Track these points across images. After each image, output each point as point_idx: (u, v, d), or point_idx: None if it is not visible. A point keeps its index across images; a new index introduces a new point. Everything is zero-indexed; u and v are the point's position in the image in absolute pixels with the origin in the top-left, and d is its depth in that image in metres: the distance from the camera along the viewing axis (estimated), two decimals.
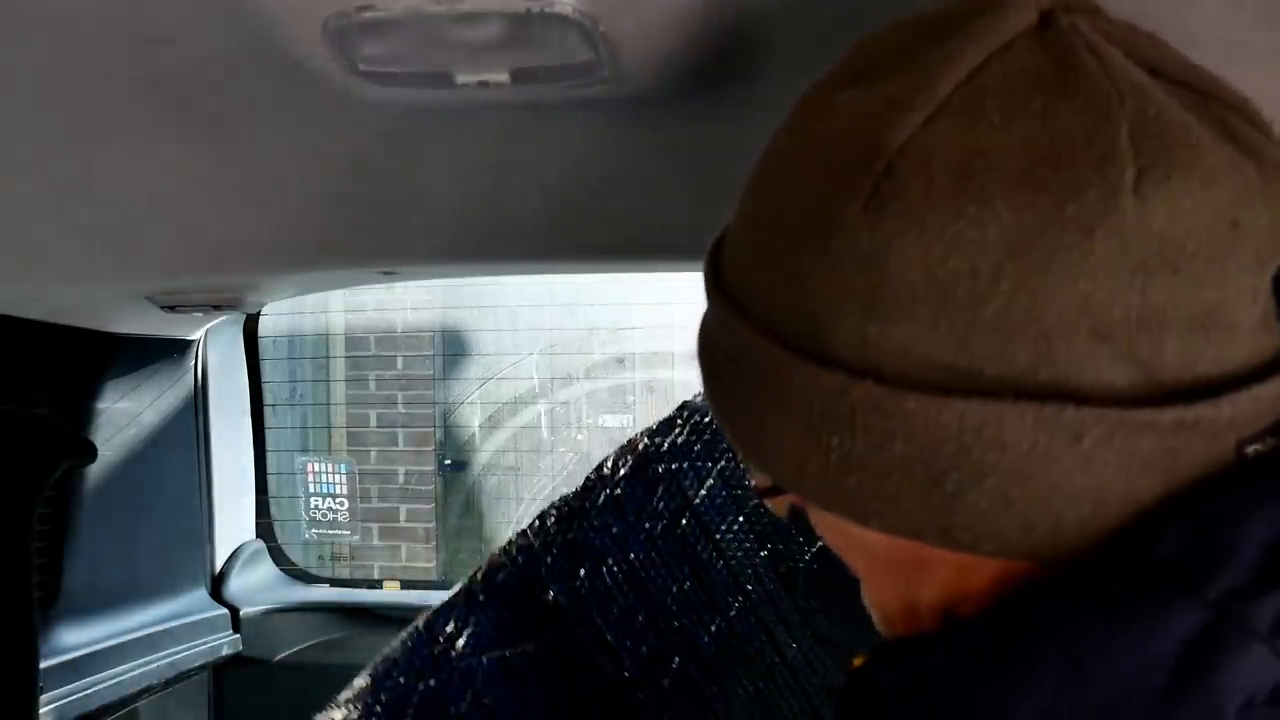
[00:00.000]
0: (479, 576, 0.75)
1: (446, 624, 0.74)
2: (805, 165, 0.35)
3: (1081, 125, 0.30)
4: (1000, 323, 0.31)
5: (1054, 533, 0.33)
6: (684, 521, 0.73)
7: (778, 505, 0.44)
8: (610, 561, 0.74)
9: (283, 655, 1.31)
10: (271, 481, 1.43)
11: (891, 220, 0.31)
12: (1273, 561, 0.31)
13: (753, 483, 0.43)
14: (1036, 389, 0.31)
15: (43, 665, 0.93)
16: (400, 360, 3.39)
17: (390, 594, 1.52)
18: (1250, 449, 0.32)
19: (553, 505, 0.76)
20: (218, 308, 1.07)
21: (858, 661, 0.44)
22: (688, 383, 3.22)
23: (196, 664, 1.22)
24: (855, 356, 0.33)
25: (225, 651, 1.27)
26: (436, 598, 0.79)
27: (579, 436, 3.28)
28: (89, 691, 1.03)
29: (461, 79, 0.48)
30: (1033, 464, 0.31)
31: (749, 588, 0.73)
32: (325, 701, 0.74)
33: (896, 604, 0.41)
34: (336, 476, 3.28)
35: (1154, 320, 0.30)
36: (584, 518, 0.74)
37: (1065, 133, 0.30)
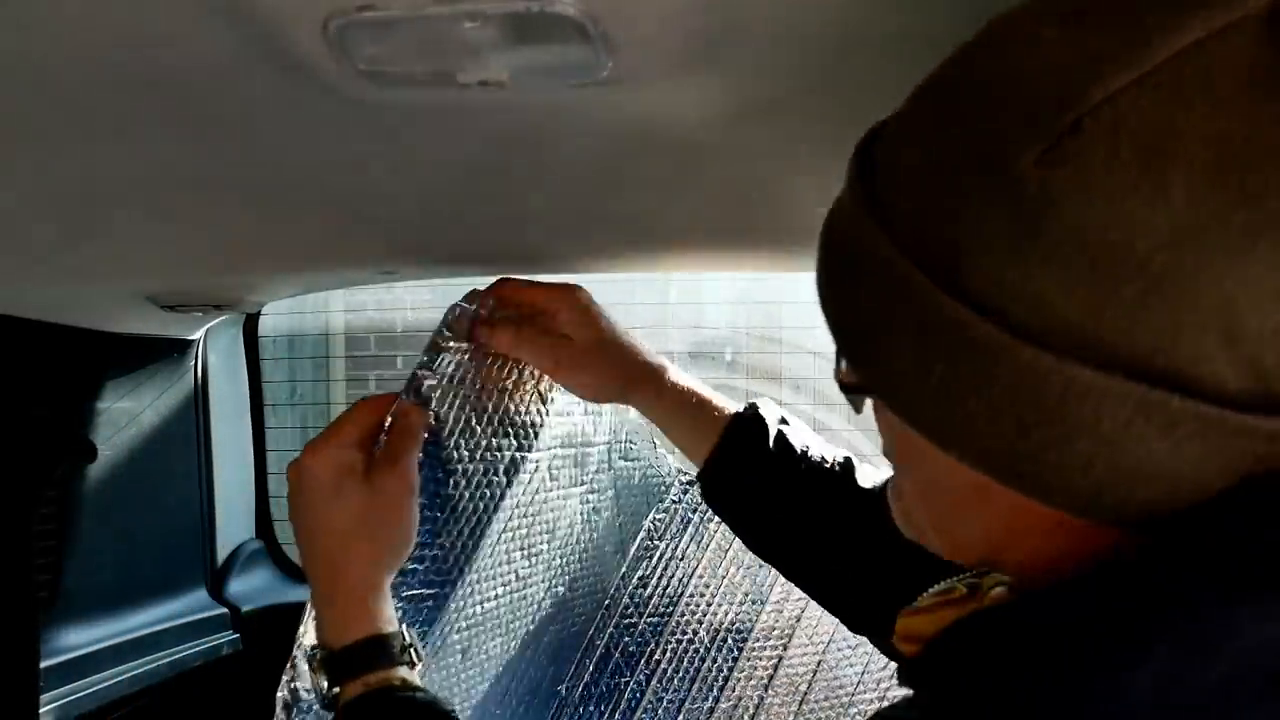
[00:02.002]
0: None
1: None
2: (993, 94, 0.34)
3: (1275, 128, 0.30)
4: (1138, 304, 0.31)
5: (1121, 504, 0.34)
6: None
7: (856, 401, 0.44)
8: None
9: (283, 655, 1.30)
10: (271, 481, 1.43)
11: (1064, 178, 0.31)
12: None
13: (839, 375, 0.43)
14: (1149, 373, 0.31)
15: (43, 665, 0.93)
16: (400, 360, 3.38)
17: None
18: None
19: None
20: (218, 308, 1.07)
21: (919, 621, 0.45)
22: None
23: (196, 664, 1.22)
24: (986, 296, 0.33)
25: (225, 651, 1.27)
26: None
27: None
28: (89, 691, 1.03)
29: (461, 79, 0.48)
30: (1123, 440, 0.32)
31: None
32: None
33: (936, 520, 0.43)
34: None
35: None
36: None
37: (1262, 138, 0.30)
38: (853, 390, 0.43)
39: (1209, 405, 0.31)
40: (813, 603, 0.83)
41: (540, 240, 0.87)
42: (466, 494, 0.80)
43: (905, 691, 0.42)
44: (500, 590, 0.85)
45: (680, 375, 0.82)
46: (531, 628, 0.89)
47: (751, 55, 0.47)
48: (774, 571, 0.86)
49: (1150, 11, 0.31)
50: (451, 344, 0.77)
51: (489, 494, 0.82)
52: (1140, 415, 0.32)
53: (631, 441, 0.95)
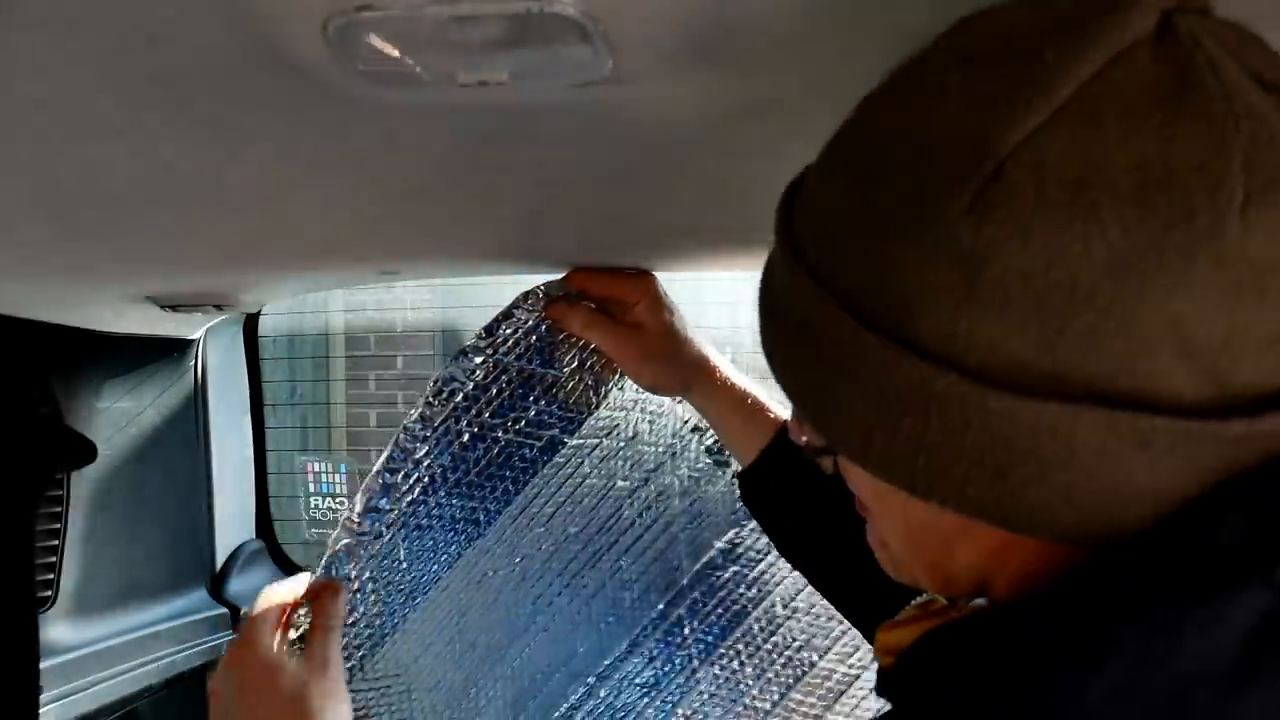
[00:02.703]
0: None
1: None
2: (911, 150, 0.34)
3: (1197, 149, 0.30)
4: (1089, 334, 0.31)
5: (1109, 525, 0.34)
6: None
7: (824, 463, 0.44)
8: None
9: None
10: (271, 481, 1.43)
11: (996, 225, 0.32)
12: None
13: (802, 438, 0.44)
14: (1113, 396, 0.32)
15: (43, 665, 0.93)
16: (400, 360, 3.39)
17: None
18: None
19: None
20: (218, 308, 1.07)
21: (898, 633, 0.45)
22: None
23: (196, 664, 1.22)
24: (941, 348, 0.33)
25: (225, 651, 1.26)
26: None
27: None
28: (89, 691, 1.03)
29: (461, 79, 0.48)
30: (1099, 465, 0.33)
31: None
32: None
33: (924, 562, 0.43)
34: (336, 476, 3.28)
35: (1236, 340, 0.31)
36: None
37: (1180, 154, 0.30)
38: (819, 452, 0.43)
39: (1176, 419, 0.32)
40: None
41: (540, 240, 0.87)
42: (495, 464, 0.81)
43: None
44: (504, 565, 0.87)
45: (735, 373, 0.83)
46: (529, 605, 0.90)
47: (751, 55, 0.47)
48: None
49: (1047, 48, 0.32)
50: (519, 313, 0.81)
51: (518, 466, 0.83)
52: (1113, 438, 0.32)
53: (708, 459, 0.94)
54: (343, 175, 0.66)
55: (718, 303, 3.32)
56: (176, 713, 1.19)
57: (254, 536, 1.40)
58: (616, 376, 0.89)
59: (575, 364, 0.85)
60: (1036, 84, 0.31)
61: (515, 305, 0.84)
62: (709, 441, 0.95)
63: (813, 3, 0.43)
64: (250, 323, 1.36)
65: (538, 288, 0.83)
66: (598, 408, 0.87)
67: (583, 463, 0.88)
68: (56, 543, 1.04)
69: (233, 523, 1.36)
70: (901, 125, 0.35)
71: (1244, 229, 0.30)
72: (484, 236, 0.86)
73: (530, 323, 0.83)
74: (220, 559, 1.34)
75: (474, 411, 0.83)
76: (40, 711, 0.93)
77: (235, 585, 1.34)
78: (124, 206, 0.69)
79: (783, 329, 0.40)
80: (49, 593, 1.05)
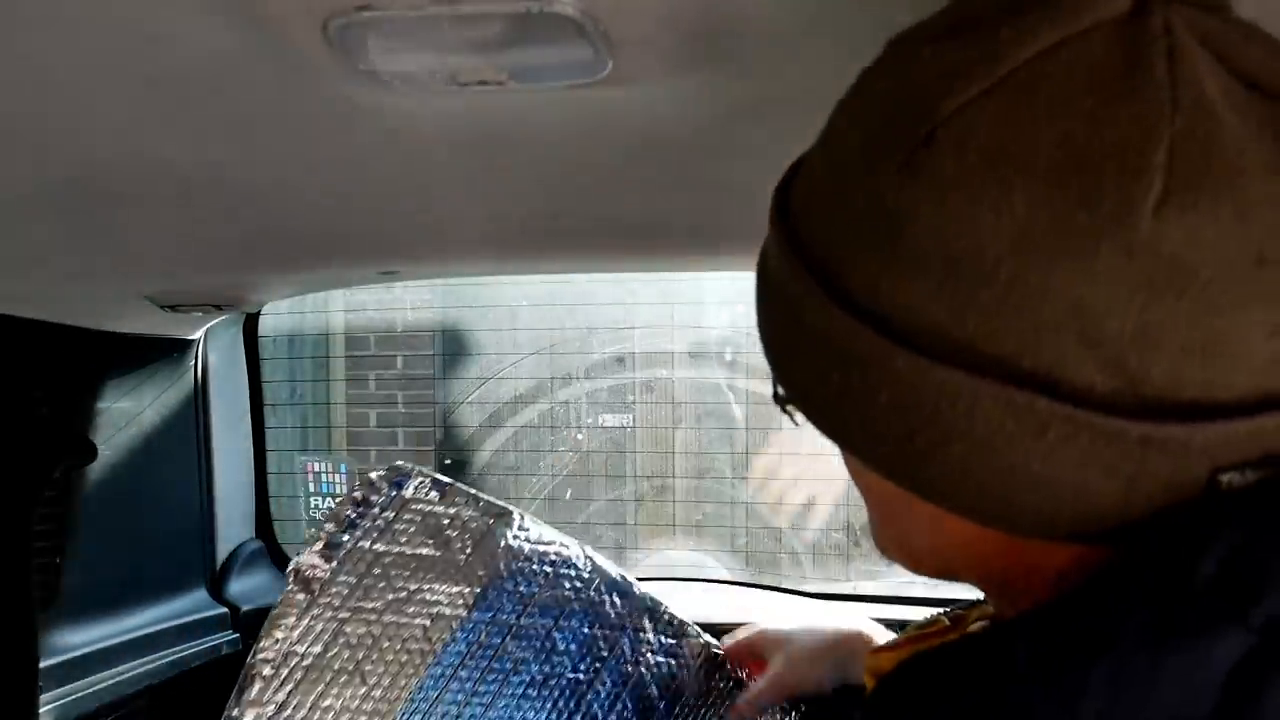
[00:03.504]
0: None
1: None
2: (869, 110, 0.35)
3: (1121, 135, 0.30)
4: (995, 307, 0.31)
5: (1006, 509, 0.34)
6: None
7: (790, 415, 0.45)
8: None
9: None
10: (271, 481, 1.43)
11: (918, 188, 0.32)
12: None
13: (774, 389, 0.45)
14: (1017, 375, 0.31)
15: (43, 665, 0.93)
16: (400, 360, 3.39)
17: None
18: (1226, 477, 0.32)
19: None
20: (218, 308, 1.07)
21: (886, 656, 0.45)
22: (687, 382, 3.22)
23: (196, 663, 1.22)
24: (867, 305, 0.34)
25: (225, 651, 1.27)
26: None
27: (579, 436, 3.28)
28: (89, 691, 1.03)
29: (462, 79, 0.48)
30: (997, 443, 0.32)
31: None
32: None
33: (889, 534, 0.44)
34: (336, 476, 3.28)
35: (1148, 337, 0.30)
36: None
37: (1103, 140, 0.30)
38: (782, 403, 0.44)
39: (1077, 408, 0.31)
40: None
41: (540, 240, 0.87)
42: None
43: None
44: None
45: (878, 632, 0.83)
46: None
47: (751, 55, 0.47)
48: None
49: (1005, 24, 0.32)
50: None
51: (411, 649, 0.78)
52: (1010, 417, 0.32)
53: (667, 627, 0.89)
54: (343, 175, 0.66)
55: (718, 303, 3.33)
56: (176, 713, 1.19)
57: (254, 536, 1.40)
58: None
59: (452, 537, 0.81)
60: (984, 57, 0.32)
61: (367, 492, 0.78)
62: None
63: (812, 3, 0.43)
64: (250, 323, 1.36)
65: (369, 476, 0.79)
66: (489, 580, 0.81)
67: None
68: (56, 543, 1.04)
69: (233, 523, 1.36)
70: (873, 86, 0.36)
71: (1157, 225, 0.29)
72: (484, 236, 0.86)
73: (391, 504, 0.78)
74: (220, 559, 1.34)
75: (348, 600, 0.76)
76: (40, 711, 0.93)
77: (235, 585, 1.34)
78: (124, 206, 0.69)
79: (762, 282, 0.41)
80: (49, 593, 1.05)
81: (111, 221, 0.72)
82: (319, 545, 0.75)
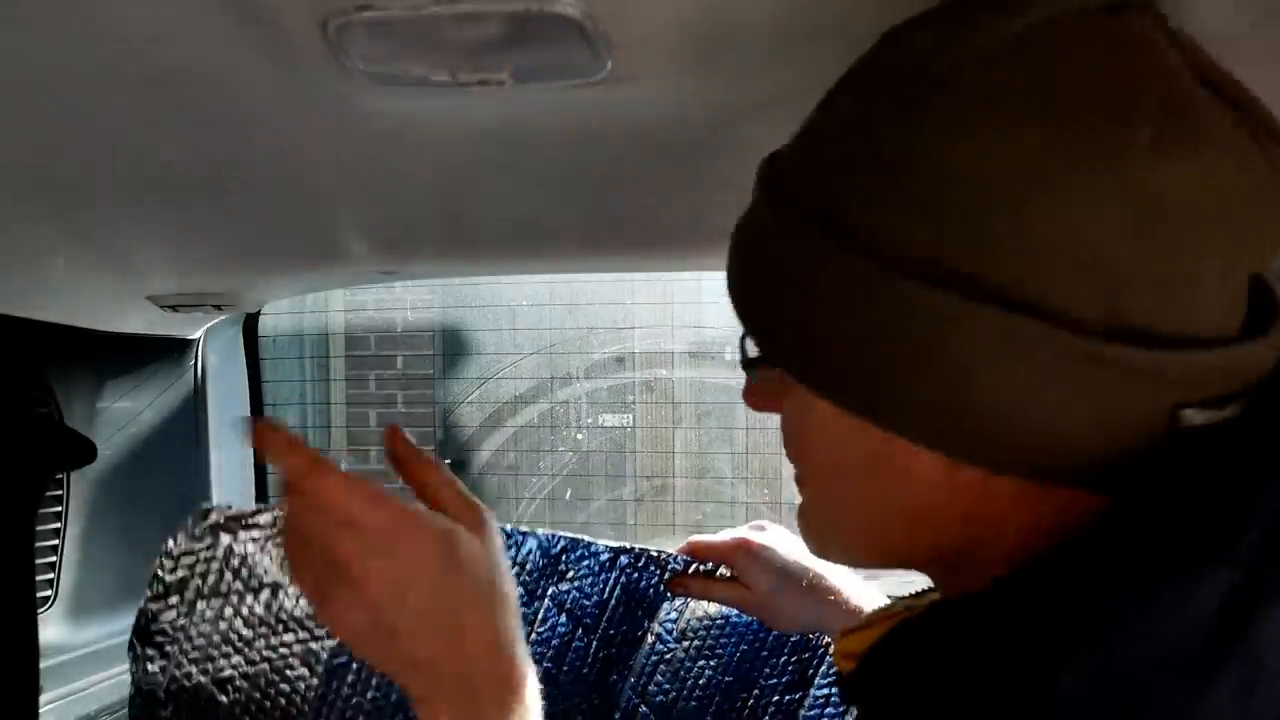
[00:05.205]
0: None
1: None
2: (876, 70, 0.38)
3: (1122, 81, 0.33)
4: (995, 236, 0.33)
5: (988, 439, 0.36)
6: None
7: (762, 376, 0.46)
8: None
9: None
10: (271, 481, 1.43)
11: (928, 127, 0.35)
12: None
13: (743, 356, 0.46)
14: (1011, 301, 0.33)
15: (43, 665, 0.93)
16: (400, 360, 3.39)
17: None
18: (1186, 412, 0.34)
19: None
20: (218, 308, 1.07)
21: (859, 636, 0.45)
22: (687, 382, 3.22)
23: None
24: (867, 242, 0.36)
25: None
26: None
27: (579, 436, 3.28)
28: (89, 691, 1.03)
29: (461, 79, 0.48)
30: (982, 365, 0.34)
31: None
32: None
33: (830, 513, 0.44)
34: None
35: (1133, 267, 0.33)
36: None
37: (1106, 83, 0.33)
38: (750, 365, 0.45)
39: (1063, 331, 0.33)
40: None
41: (540, 240, 0.87)
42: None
43: None
44: None
45: (865, 594, 0.81)
46: None
47: (751, 55, 0.47)
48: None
49: (988, 11, 0.35)
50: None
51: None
52: (1001, 340, 0.34)
53: (570, 557, 0.85)
54: (343, 175, 0.66)
55: (717, 302, 3.32)
56: None
57: None
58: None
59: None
60: (993, 14, 0.35)
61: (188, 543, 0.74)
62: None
63: (812, 3, 0.43)
64: (250, 323, 1.36)
65: (198, 524, 0.76)
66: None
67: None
68: (56, 543, 1.04)
69: None
70: (888, 42, 0.38)
71: (1151, 160, 0.32)
72: (484, 236, 0.86)
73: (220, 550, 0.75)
74: None
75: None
76: (40, 711, 0.93)
77: None
78: (124, 206, 0.69)
79: (745, 252, 0.42)
80: (49, 593, 1.05)
81: (112, 221, 0.72)
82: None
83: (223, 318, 1.23)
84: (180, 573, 0.75)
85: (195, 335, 1.23)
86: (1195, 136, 0.33)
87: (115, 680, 1.06)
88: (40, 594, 1.02)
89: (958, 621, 0.37)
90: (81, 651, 1.05)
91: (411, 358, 3.40)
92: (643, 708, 0.87)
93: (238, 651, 0.76)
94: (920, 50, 0.36)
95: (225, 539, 0.75)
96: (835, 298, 0.36)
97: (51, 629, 1.03)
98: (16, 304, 0.87)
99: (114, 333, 1.04)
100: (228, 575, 0.75)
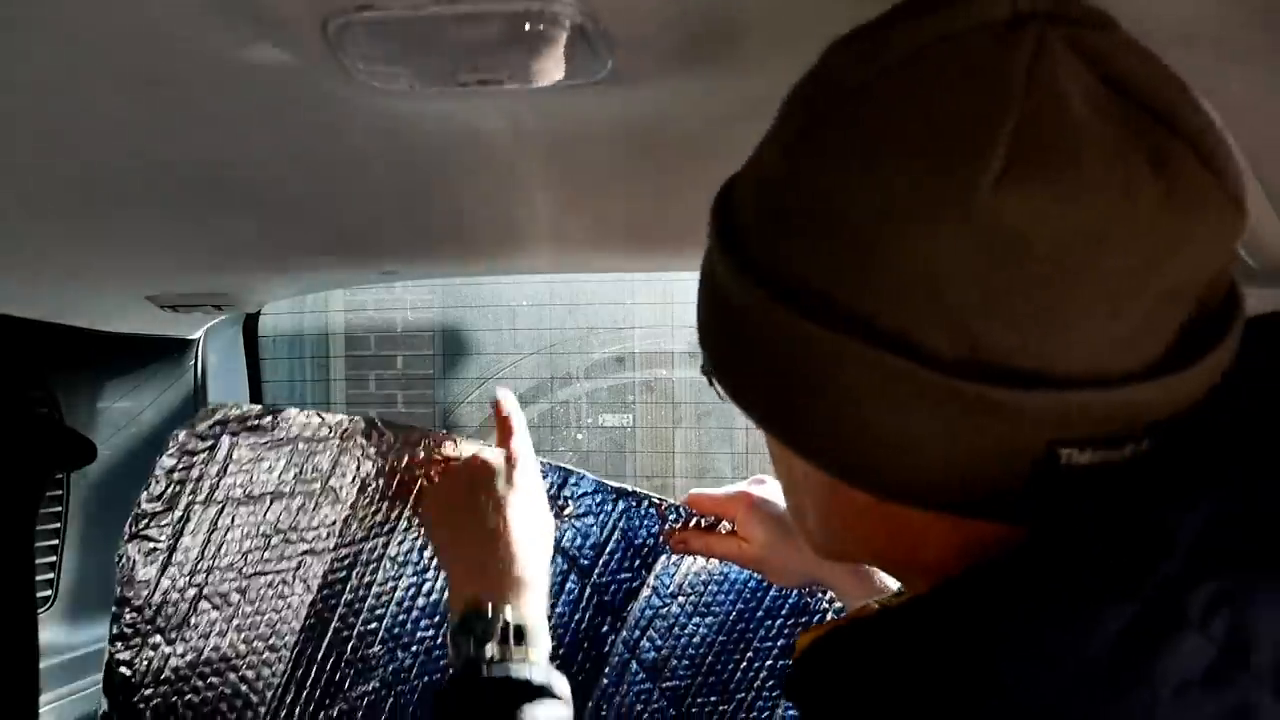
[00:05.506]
0: None
1: None
2: (788, 99, 0.39)
3: (974, 116, 0.32)
4: (860, 268, 0.34)
5: (869, 467, 0.37)
6: None
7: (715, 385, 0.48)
8: None
9: None
10: None
11: (809, 158, 0.36)
12: (1203, 550, 0.32)
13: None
14: (875, 334, 0.34)
15: (43, 665, 0.93)
16: (400, 360, 3.39)
17: None
18: (1065, 452, 0.34)
19: None
20: (218, 308, 1.07)
21: (810, 635, 0.47)
22: (687, 382, 3.22)
23: None
24: (764, 271, 0.37)
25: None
26: None
27: (579, 436, 3.28)
28: (89, 691, 1.03)
29: (462, 79, 0.48)
30: (858, 399, 0.35)
31: None
32: None
33: (793, 513, 0.47)
34: None
35: (988, 305, 0.32)
36: None
37: (958, 119, 0.33)
38: (706, 374, 0.46)
39: (923, 367, 0.33)
40: None
41: (540, 240, 0.87)
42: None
43: None
44: None
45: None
46: None
47: (751, 55, 0.47)
48: None
49: (899, 21, 0.35)
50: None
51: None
52: (869, 373, 0.34)
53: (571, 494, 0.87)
54: (343, 175, 0.66)
55: None
56: None
57: None
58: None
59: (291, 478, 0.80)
60: (877, 47, 0.35)
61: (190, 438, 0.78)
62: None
63: (811, 4, 0.43)
64: (250, 323, 1.36)
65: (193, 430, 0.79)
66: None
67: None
68: (56, 543, 1.04)
69: None
70: (797, 84, 0.39)
71: (996, 196, 0.31)
72: (484, 236, 0.86)
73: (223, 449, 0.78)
74: None
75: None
76: (40, 711, 0.93)
77: None
78: (124, 206, 0.69)
79: (701, 268, 0.44)
80: (49, 593, 1.05)
81: (111, 221, 0.72)
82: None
83: (223, 318, 1.23)
84: (178, 475, 0.77)
85: (195, 335, 1.23)
86: (1057, 167, 0.32)
87: None
88: (40, 594, 1.02)
89: (881, 634, 0.39)
90: (81, 651, 1.05)
91: (411, 358, 3.40)
92: (633, 664, 0.87)
93: (232, 565, 0.77)
94: (819, 76, 0.37)
95: (227, 441, 0.77)
96: (742, 325, 0.38)
97: (51, 629, 1.03)
98: (17, 304, 0.88)
99: (114, 333, 1.04)
100: (225, 481, 0.77)
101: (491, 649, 0.64)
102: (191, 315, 1.11)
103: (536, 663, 0.65)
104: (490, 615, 0.65)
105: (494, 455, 0.75)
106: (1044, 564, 0.34)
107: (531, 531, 0.71)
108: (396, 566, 0.82)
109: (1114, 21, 0.35)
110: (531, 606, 0.67)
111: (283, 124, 0.56)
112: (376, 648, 0.81)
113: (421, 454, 0.80)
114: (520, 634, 0.65)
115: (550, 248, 0.91)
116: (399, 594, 0.82)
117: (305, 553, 0.79)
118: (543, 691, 0.63)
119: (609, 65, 0.47)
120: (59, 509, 1.06)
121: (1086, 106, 0.32)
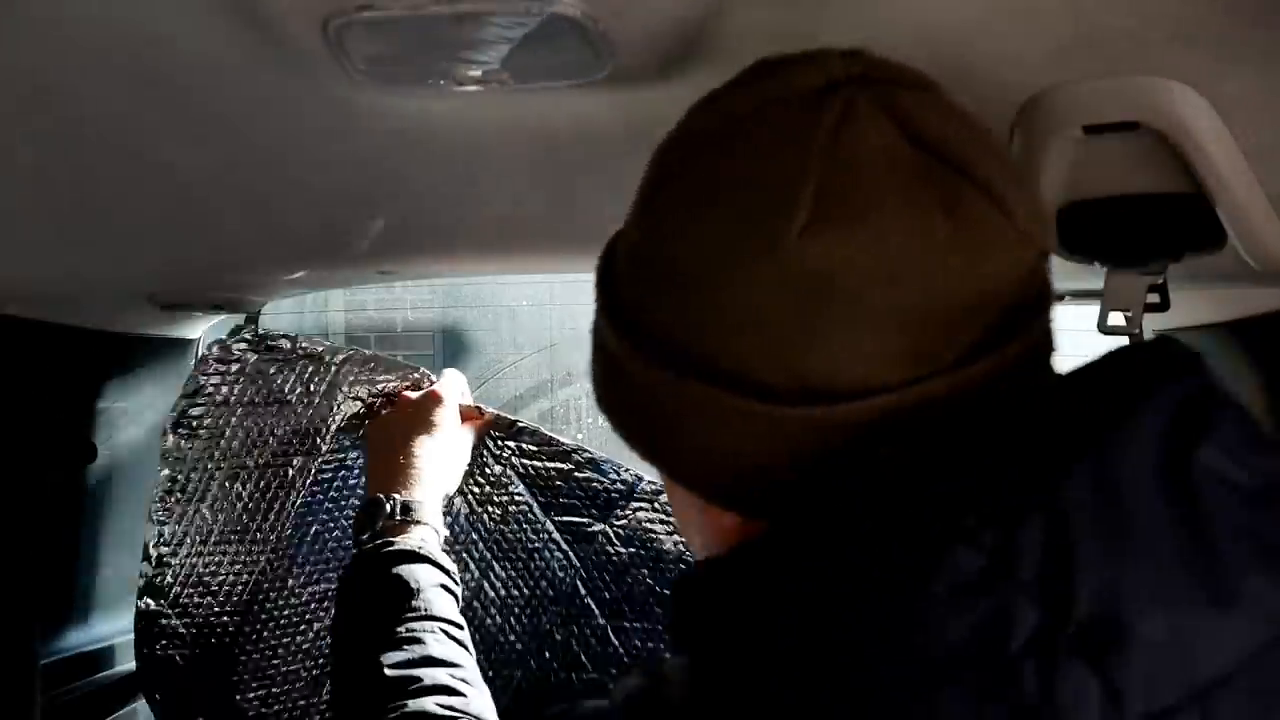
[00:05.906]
0: None
1: None
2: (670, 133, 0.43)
3: (783, 173, 0.37)
4: (696, 309, 0.38)
5: (713, 485, 0.42)
6: None
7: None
8: None
9: None
10: None
11: (654, 214, 0.41)
12: (968, 487, 0.36)
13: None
14: (715, 374, 0.38)
15: (43, 665, 0.93)
16: (400, 359, 3.38)
17: None
18: (885, 450, 0.38)
19: None
20: (218, 308, 1.07)
21: None
22: None
23: None
24: (627, 320, 0.42)
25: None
26: None
27: (579, 436, 3.28)
28: (89, 691, 1.03)
29: (461, 79, 0.48)
30: (703, 430, 0.40)
31: None
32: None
33: (680, 526, 0.52)
34: None
35: (804, 336, 0.37)
36: None
37: (771, 175, 0.37)
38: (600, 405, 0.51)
39: (755, 400, 0.38)
40: None
41: (540, 240, 0.87)
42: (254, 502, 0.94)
43: None
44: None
45: None
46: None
47: (751, 55, 0.47)
48: None
49: (732, 87, 0.41)
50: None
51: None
52: (712, 409, 0.39)
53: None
54: (343, 175, 0.66)
55: None
56: None
57: None
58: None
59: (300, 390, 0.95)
60: (715, 111, 0.40)
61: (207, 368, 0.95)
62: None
63: (811, 3, 0.43)
64: (250, 323, 1.36)
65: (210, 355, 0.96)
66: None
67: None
68: (56, 543, 1.04)
69: None
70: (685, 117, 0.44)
71: (801, 243, 0.36)
72: (484, 236, 0.86)
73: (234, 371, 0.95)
74: None
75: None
76: (40, 711, 0.93)
77: None
78: (124, 206, 0.69)
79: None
80: (49, 593, 1.05)
81: (111, 221, 0.72)
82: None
83: (223, 318, 1.23)
84: (214, 379, 0.95)
85: (195, 335, 1.22)
86: (855, 217, 0.36)
87: (115, 680, 1.06)
88: (40, 594, 1.02)
89: (696, 586, 0.43)
90: (81, 651, 1.05)
91: (411, 358, 3.40)
92: (583, 591, 0.95)
93: (250, 453, 0.95)
94: (678, 132, 0.42)
95: (252, 357, 0.95)
96: (617, 373, 0.43)
97: (51, 629, 1.03)
98: (17, 304, 0.88)
99: (114, 333, 1.04)
100: (250, 389, 0.94)
101: (380, 525, 0.77)
102: (191, 315, 1.11)
103: (425, 540, 0.77)
104: (385, 503, 0.79)
105: (425, 399, 0.89)
106: (822, 517, 0.38)
107: (437, 457, 0.85)
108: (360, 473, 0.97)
109: (933, 83, 0.40)
110: (426, 503, 0.80)
111: (283, 124, 0.56)
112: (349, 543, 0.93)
113: (384, 387, 0.96)
114: (408, 514, 0.78)
115: (550, 248, 0.91)
116: (363, 494, 0.94)
117: (309, 451, 0.95)
118: (425, 560, 0.75)
119: (609, 65, 0.47)
120: (59, 509, 1.06)
121: (885, 160, 0.37)
